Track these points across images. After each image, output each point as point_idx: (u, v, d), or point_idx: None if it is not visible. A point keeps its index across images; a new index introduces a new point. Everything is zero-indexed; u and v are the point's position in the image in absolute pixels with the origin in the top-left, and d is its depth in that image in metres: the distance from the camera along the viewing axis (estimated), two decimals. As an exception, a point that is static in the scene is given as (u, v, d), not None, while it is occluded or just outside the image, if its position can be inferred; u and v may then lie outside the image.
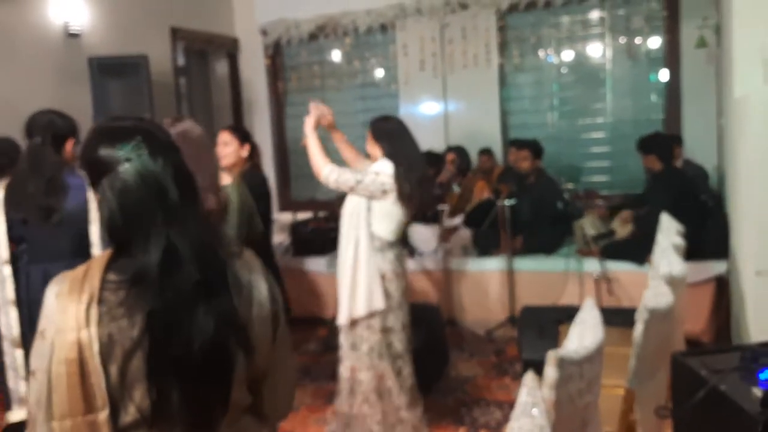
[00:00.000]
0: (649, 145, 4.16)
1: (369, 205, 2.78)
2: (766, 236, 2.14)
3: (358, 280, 2.80)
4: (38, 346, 1.09)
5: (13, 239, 2.35)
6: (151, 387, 1.05)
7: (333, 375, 3.76)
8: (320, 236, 4.96)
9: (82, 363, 1.03)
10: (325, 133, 3.17)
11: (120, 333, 1.05)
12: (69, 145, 2.49)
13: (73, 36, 5.04)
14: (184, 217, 1.08)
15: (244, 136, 3.28)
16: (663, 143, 4.25)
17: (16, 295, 2.34)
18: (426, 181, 2.87)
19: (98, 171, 1.09)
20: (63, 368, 1.04)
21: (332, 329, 3.79)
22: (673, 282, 1.92)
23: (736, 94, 2.77)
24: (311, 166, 2.87)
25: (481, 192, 5.21)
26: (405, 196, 2.74)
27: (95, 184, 1.10)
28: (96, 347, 1.03)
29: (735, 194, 2.96)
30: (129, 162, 1.07)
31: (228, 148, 3.11)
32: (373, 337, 2.85)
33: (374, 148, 2.87)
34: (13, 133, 3.97)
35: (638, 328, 1.67)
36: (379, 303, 2.79)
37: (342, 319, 2.86)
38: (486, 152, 5.72)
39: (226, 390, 1.10)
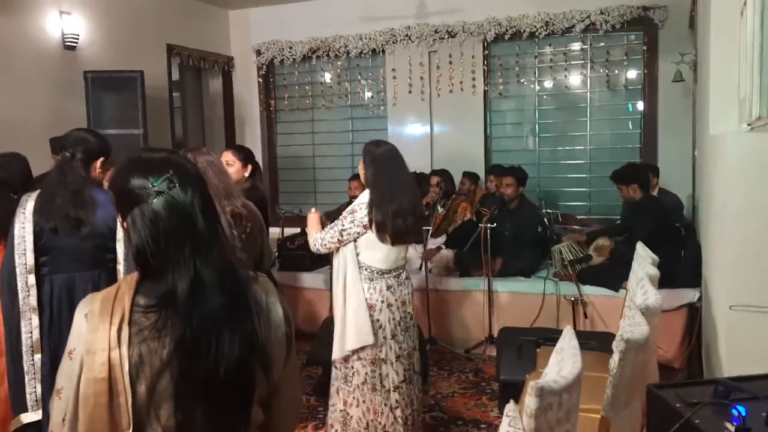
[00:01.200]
0: (630, 175, 4.32)
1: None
2: (739, 272, 2.17)
3: (348, 312, 2.81)
4: (66, 365, 1.13)
5: (40, 250, 2.44)
6: (178, 407, 1.08)
7: (315, 389, 3.87)
8: (307, 253, 5.04)
9: (111, 383, 1.07)
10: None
11: (149, 354, 1.09)
12: (98, 163, 2.58)
13: (70, 49, 5.11)
14: (210, 247, 1.13)
15: (246, 157, 3.39)
16: (643, 172, 4.42)
17: (40, 304, 2.44)
18: (407, 212, 2.78)
19: (129, 200, 1.13)
20: (91, 388, 1.08)
21: (317, 344, 3.88)
22: (648, 312, 2.05)
23: (712, 131, 2.91)
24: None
25: (464, 213, 5.37)
26: (377, 225, 2.74)
27: (125, 212, 1.14)
28: (126, 367, 1.07)
29: (709, 229, 3.07)
30: (161, 194, 1.11)
31: (230, 168, 3.19)
32: (364, 370, 2.84)
33: (364, 173, 2.87)
34: (11, 144, 4.04)
35: (614, 358, 1.78)
36: (368, 337, 2.78)
37: (334, 353, 2.86)
38: (465, 175, 5.88)
39: (247, 409, 1.14)
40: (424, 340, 4.19)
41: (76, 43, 5.14)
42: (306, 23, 6.61)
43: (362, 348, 2.81)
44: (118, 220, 2.41)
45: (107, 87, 5.12)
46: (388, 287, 2.85)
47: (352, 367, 2.85)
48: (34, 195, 2.48)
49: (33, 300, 2.43)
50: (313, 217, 3.03)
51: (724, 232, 2.24)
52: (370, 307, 2.82)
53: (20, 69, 4.75)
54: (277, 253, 5.13)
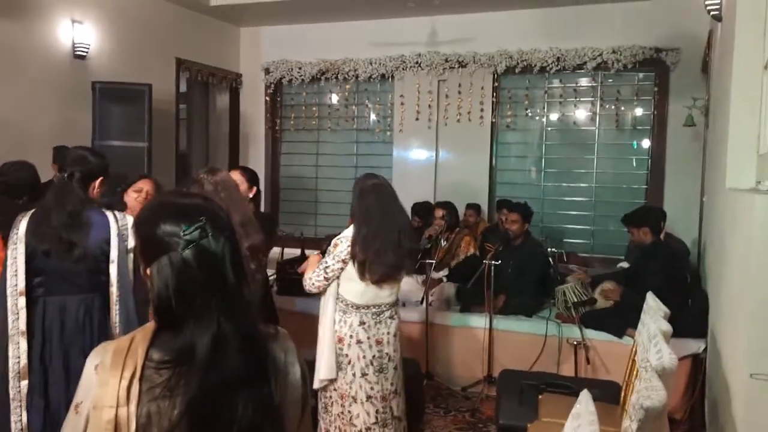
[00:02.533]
0: (641, 217, 4.23)
1: None
2: (760, 338, 2.01)
3: (321, 343, 2.83)
4: (72, 420, 1.07)
5: (32, 271, 2.36)
6: None
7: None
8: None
9: None
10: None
11: (158, 413, 1.03)
12: (97, 183, 2.51)
13: (80, 59, 5.06)
14: (236, 302, 1.07)
15: (252, 178, 3.37)
16: (654, 215, 4.32)
17: (31, 326, 2.34)
18: (390, 251, 2.75)
19: (156, 247, 1.06)
20: None
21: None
22: (664, 374, 1.98)
23: (728, 185, 2.83)
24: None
25: (468, 247, 5.30)
26: (359, 262, 2.73)
27: (150, 259, 1.07)
28: (133, 427, 1.01)
29: (722, 285, 2.97)
30: (192, 243, 1.04)
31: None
32: (340, 401, 2.84)
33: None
34: (16, 150, 3.99)
35: (632, 427, 1.70)
36: (329, 371, 2.78)
37: (314, 382, 2.84)
38: (472, 207, 5.83)
39: None
40: (421, 375, 4.10)
41: (86, 52, 5.10)
42: (316, 44, 6.61)
43: (334, 380, 2.83)
44: (112, 239, 2.39)
45: (115, 98, 5.07)
46: (361, 323, 2.79)
47: (330, 397, 2.85)
48: (28, 215, 2.40)
49: (22, 324, 2.32)
50: (313, 260, 3.02)
51: (744, 294, 2.17)
52: (339, 341, 2.80)
53: (29, 75, 4.71)
54: (275, 277, 5.04)
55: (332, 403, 2.85)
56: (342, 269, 2.79)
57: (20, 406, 2.32)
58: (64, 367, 2.34)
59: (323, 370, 2.79)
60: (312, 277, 2.85)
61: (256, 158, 7.00)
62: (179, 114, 6.27)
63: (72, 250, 2.34)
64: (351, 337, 2.78)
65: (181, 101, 6.52)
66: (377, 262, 2.72)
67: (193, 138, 7.04)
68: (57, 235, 2.33)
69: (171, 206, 1.12)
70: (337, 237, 2.85)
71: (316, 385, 2.83)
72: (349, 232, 2.80)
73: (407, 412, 3.55)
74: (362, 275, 2.75)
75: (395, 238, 2.76)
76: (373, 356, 2.81)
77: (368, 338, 2.80)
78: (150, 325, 1.10)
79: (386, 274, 2.77)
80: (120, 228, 2.43)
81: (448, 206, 5.31)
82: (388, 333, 2.87)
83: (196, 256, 1.04)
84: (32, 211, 2.42)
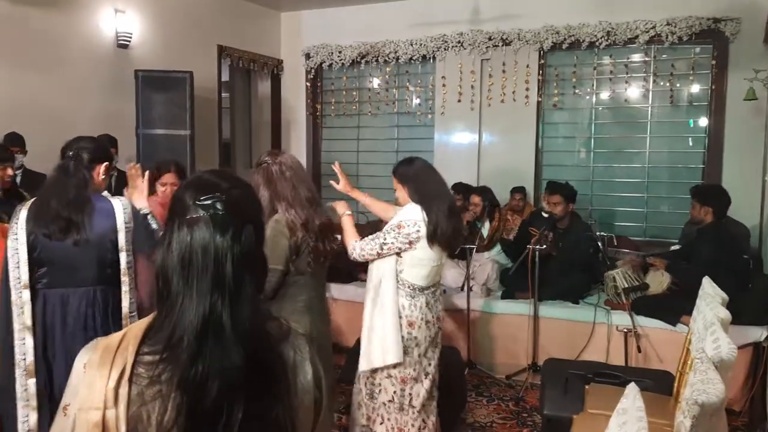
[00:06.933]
0: (710, 196, 3.94)
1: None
2: None
3: (379, 327, 2.75)
4: (59, 422, 1.00)
5: (36, 261, 2.26)
6: None
7: (346, 408, 3.70)
8: (345, 263, 4.90)
9: None
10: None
11: (149, 417, 0.94)
12: (100, 169, 2.42)
13: (123, 48, 5.11)
14: (239, 291, 0.99)
15: None
16: (723, 200, 4.01)
17: (32, 320, 2.24)
18: (455, 213, 2.83)
19: (174, 210, 1.03)
20: None
21: (350, 361, 3.74)
22: (722, 366, 1.82)
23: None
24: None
25: (515, 222, 5.20)
26: (436, 237, 2.70)
27: (169, 221, 1.04)
28: (123, 430, 0.93)
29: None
30: (202, 213, 1.00)
31: None
32: (392, 388, 2.77)
33: (401, 192, 2.84)
34: (61, 141, 4.04)
35: (686, 425, 1.56)
36: (398, 355, 2.72)
37: (361, 366, 2.80)
38: (519, 190, 5.65)
39: None
40: (462, 363, 4.00)
41: (129, 41, 5.14)
42: (356, 27, 6.50)
43: (394, 366, 2.76)
44: (119, 231, 2.25)
45: (157, 86, 5.10)
46: (427, 303, 2.81)
47: (380, 384, 2.80)
48: (29, 203, 2.31)
49: (27, 318, 2.21)
50: (347, 222, 2.90)
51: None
52: (410, 324, 2.77)
53: (73, 66, 4.78)
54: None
55: (381, 390, 2.78)
56: (401, 250, 2.71)
57: (28, 405, 2.19)
58: (68, 366, 2.27)
59: (391, 354, 2.72)
60: (364, 248, 2.74)
61: (298, 145, 6.98)
62: (222, 102, 6.29)
63: (70, 229, 2.21)
64: (422, 318, 2.78)
65: (225, 90, 6.53)
66: (456, 238, 2.80)
67: (236, 126, 7.07)
68: (56, 213, 2.22)
69: (200, 179, 1.08)
70: (400, 219, 2.76)
71: (373, 365, 2.75)
72: (411, 214, 2.73)
73: (447, 402, 3.50)
74: (439, 248, 2.74)
75: (451, 204, 2.82)
76: (435, 333, 2.86)
77: (432, 317, 2.83)
78: (146, 319, 1.02)
79: (456, 238, 2.84)
80: (125, 214, 2.32)
81: (484, 191, 5.14)
82: (441, 309, 2.95)
83: (204, 227, 0.99)
84: (32, 199, 2.33)
